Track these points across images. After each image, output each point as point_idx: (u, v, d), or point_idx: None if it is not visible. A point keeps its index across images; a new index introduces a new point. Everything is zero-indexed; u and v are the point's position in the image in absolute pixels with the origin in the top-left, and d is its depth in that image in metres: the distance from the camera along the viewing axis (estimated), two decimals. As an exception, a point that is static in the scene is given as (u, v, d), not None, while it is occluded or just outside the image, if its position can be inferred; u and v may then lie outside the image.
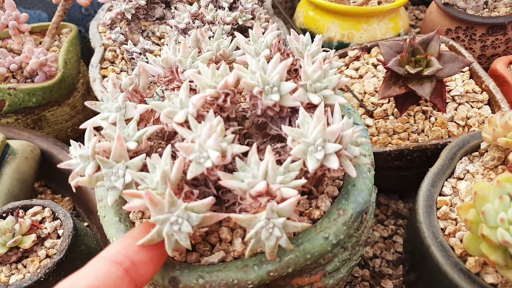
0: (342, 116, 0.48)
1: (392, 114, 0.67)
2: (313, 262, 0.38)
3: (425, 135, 0.65)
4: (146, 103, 0.45)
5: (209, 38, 0.62)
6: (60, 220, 0.53)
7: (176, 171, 0.34)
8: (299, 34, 0.46)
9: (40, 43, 0.89)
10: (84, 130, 0.40)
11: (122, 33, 0.70)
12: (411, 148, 0.60)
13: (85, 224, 0.70)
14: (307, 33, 0.45)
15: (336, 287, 0.45)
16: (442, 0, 0.90)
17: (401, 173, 0.67)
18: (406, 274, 0.57)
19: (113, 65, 0.76)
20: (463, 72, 0.73)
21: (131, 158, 0.37)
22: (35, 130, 0.81)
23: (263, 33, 0.47)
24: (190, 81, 0.41)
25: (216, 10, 0.65)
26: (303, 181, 0.34)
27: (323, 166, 0.35)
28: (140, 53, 0.67)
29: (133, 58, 0.68)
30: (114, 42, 0.69)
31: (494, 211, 0.38)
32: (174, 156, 0.40)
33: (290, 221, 0.33)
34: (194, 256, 0.39)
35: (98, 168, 0.37)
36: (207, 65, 0.44)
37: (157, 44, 0.75)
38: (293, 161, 0.36)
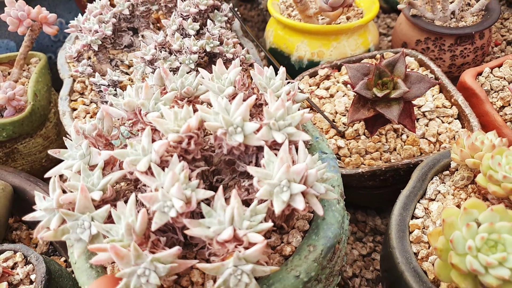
0: (310, 146, 0.48)
1: (364, 134, 0.68)
2: (287, 300, 0.38)
3: (397, 154, 0.65)
4: (112, 145, 0.45)
5: (176, 69, 0.62)
6: (33, 264, 0.52)
7: (140, 222, 0.33)
8: (263, 65, 0.46)
9: (9, 73, 0.87)
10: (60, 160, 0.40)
11: (89, 65, 0.69)
12: (383, 169, 0.61)
13: (63, 259, 0.69)
14: (271, 67, 0.45)
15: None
16: (410, 12, 0.91)
17: (376, 192, 0.67)
18: (385, 294, 0.57)
19: (82, 97, 0.75)
20: (433, 87, 0.74)
21: (97, 207, 0.37)
22: (8, 165, 0.80)
23: (231, 61, 0.47)
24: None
25: (183, 38, 0.65)
26: (269, 224, 0.34)
27: (290, 206, 0.35)
28: (108, 85, 0.66)
29: (102, 91, 0.67)
30: (82, 74, 0.69)
31: (462, 239, 0.39)
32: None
33: (259, 266, 0.33)
34: (166, 302, 0.39)
35: (64, 220, 0.37)
36: (171, 104, 0.44)
37: (126, 73, 0.75)
38: (260, 202, 0.36)
